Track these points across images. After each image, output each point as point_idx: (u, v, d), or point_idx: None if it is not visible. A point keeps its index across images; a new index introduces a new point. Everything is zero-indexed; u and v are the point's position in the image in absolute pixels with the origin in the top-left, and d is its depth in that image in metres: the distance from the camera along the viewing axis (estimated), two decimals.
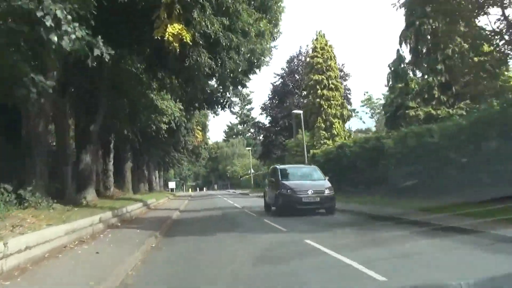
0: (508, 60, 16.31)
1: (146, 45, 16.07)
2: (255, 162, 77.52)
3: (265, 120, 52.49)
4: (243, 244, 9.92)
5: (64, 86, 16.64)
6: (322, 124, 37.60)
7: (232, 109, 22.26)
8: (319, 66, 38.56)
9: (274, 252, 8.87)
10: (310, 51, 40.60)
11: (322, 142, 37.26)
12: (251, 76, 22.12)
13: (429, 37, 22.45)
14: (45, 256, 7.94)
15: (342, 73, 43.82)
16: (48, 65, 10.60)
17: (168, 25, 12.76)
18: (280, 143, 49.10)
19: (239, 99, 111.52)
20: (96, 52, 9.12)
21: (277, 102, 49.69)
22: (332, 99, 38.10)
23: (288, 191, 16.06)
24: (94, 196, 19.16)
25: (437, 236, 9.14)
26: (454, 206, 11.22)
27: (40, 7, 7.88)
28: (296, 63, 50.50)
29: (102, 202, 18.48)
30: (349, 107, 39.30)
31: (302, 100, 47.21)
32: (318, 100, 37.74)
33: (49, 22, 7.89)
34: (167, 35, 12.75)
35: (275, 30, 21.47)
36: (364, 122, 40.23)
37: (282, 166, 20.31)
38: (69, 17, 8.30)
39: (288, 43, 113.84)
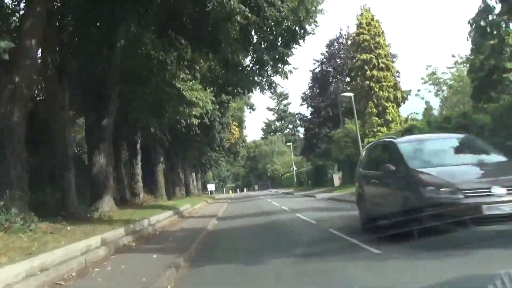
0: None
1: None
2: (296, 159, 73.17)
3: (306, 111, 48.07)
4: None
5: (60, 69, 13.08)
6: (374, 109, 32.92)
7: (273, 90, 18.03)
8: (366, 44, 33.87)
9: None
10: (355, 28, 35.92)
11: (375, 130, 32.58)
12: (294, 51, 17.98)
13: None
14: None
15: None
16: None
17: None
18: (325, 135, 44.58)
19: (275, 95, 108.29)
20: None
21: (318, 90, 45.19)
22: (383, 80, 33.35)
23: (442, 189, 7.17)
24: (111, 205, 15.59)
25: None
26: None
27: None
28: (336, 46, 45.86)
29: (121, 214, 14.86)
30: (403, 88, 34.32)
31: (346, 86, 42.50)
32: (367, 82, 33.09)
33: None
34: None
35: None
36: (427, 102, 35.00)
37: (407, 139, 10.63)
38: None
39: (325, 28, 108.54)
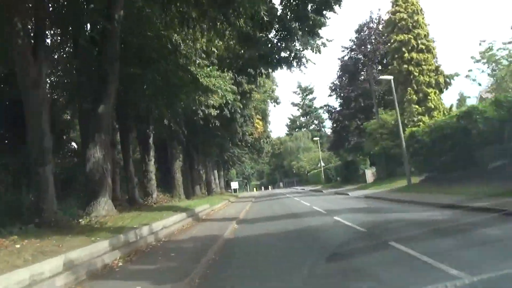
0: None
1: None
2: (324, 155, 69.65)
3: (335, 102, 44.60)
4: None
5: (36, 38, 10.38)
6: (414, 96, 29.33)
7: (303, 66, 14.89)
8: (403, 23, 30.28)
9: None
10: (390, 6, 32.31)
11: (415, 119, 29.02)
12: (327, 21, 14.83)
13: None
14: None
15: None
16: None
17: None
18: (356, 127, 41.12)
19: (299, 91, 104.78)
20: None
21: (347, 80, 41.71)
22: (423, 63, 29.72)
23: None
24: (108, 208, 12.86)
25: None
26: None
27: None
28: (367, 32, 42.22)
29: (119, 219, 12.11)
30: (445, 72, 30.58)
31: (378, 74, 38.89)
32: (405, 66, 29.52)
33: None
34: None
35: None
36: (480, 84, 31.01)
37: None
38: None
39: (354, 11, 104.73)
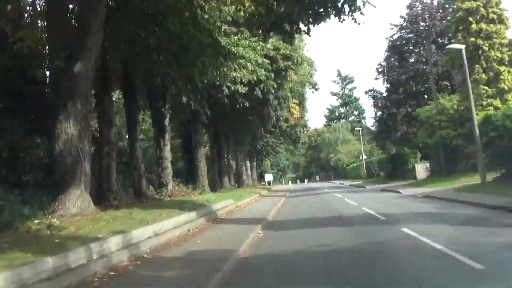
0: None
1: None
2: (365, 148, 64.62)
3: (381, 87, 39.65)
4: None
5: None
6: (482, 75, 24.35)
7: (358, 13, 10.59)
8: None
9: None
10: None
11: (483, 103, 24.05)
12: None
13: None
14: None
15: None
16: None
17: None
18: (405, 115, 36.16)
19: (340, 79, 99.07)
20: None
21: (396, 61, 36.71)
22: (494, 36, 24.67)
23: None
24: (83, 204, 9.31)
25: None
26: None
27: None
28: (419, 7, 37.11)
29: (93, 220, 8.53)
30: None
31: (434, 53, 33.84)
32: (472, 39, 24.50)
33: None
34: None
35: None
36: None
37: None
38: None
39: None
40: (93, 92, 13.10)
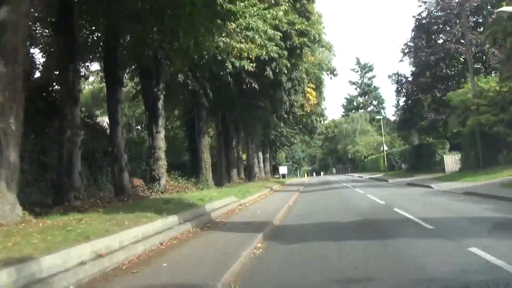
0: None
1: None
2: (385, 139, 61.02)
3: (407, 70, 35.94)
4: None
5: None
6: None
7: None
8: None
9: None
10: None
11: None
12: None
13: None
14: None
15: None
16: None
17: None
18: (433, 101, 32.61)
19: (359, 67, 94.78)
20: None
21: (424, 41, 33.04)
22: None
23: None
24: (4, 210, 6.41)
25: None
26: None
27: None
28: None
29: (6, 237, 5.58)
30: None
31: (469, 31, 30.12)
32: None
33: None
34: None
35: None
36: None
37: None
38: None
39: None
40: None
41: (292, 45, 22.45)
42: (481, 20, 31.70)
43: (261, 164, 44.87)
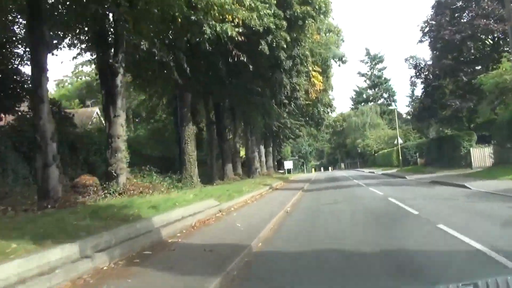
0: None
1: None
2: (395, 133, 56.73)
3: (426, 53, 31.48)
4: None
5: None
6: None
7: None
8: None
9: None
10: None
11: None
12: None
13: None
14: None
15: None
16: None
17: None
18: (459, 86, 28.35)
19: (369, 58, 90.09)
20: None
21: (447, 18, 28.70)
22: None
23: None
24: None
25: None
26: None
27: None
28: None
29: None
30: None
31: (497, 5, 25.85)
32: None
33: None
34: None
35: None
36: None
37: None
38: None
39: None
40: None
41: (293, 15, 18.44)
42: None
43: (263, 159, 40.93)
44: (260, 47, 17.00)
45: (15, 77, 15.72)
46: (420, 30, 29.85)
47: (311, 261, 5.96)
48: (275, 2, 15.65)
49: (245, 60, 15.29)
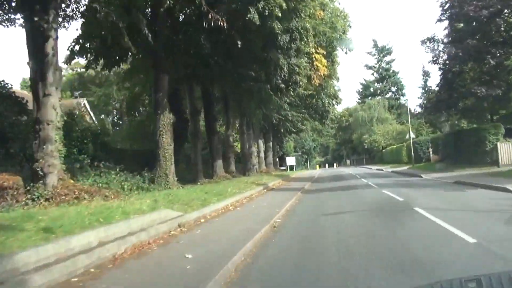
0: None
1: None
2: (403, 127, 53.12)
3: (446, 33, 27.70)
4: None
5: None
6: None
7: None
8: None
9: None
10: None
11: None
12: None
13: None
14: None
15: None
16: None
17: None
18: (485, 71, 24.64)
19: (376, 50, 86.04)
20: None
21: None
22: None
23: None
24: None
25: None
26: None
27: None
28: None
29: None
30: None
31: None
32: None
33: None
34: None
35: None
36: None
37: None
38: None
39: None
40: None
41: None
42: None
43: (262, 154, 37.46)
44: (248, 15, 13.62)
45: None
46: (440, 6, 26.02)
47: None
48: None
49: (224, 25, 11.80)
